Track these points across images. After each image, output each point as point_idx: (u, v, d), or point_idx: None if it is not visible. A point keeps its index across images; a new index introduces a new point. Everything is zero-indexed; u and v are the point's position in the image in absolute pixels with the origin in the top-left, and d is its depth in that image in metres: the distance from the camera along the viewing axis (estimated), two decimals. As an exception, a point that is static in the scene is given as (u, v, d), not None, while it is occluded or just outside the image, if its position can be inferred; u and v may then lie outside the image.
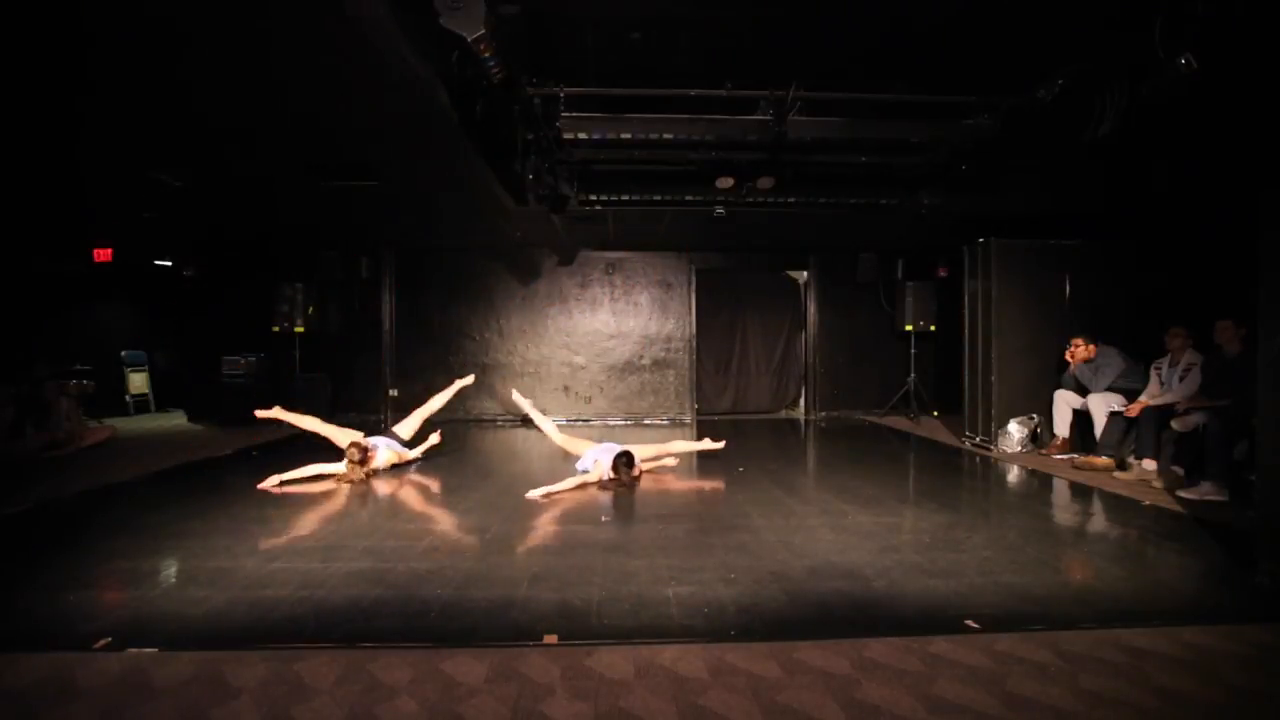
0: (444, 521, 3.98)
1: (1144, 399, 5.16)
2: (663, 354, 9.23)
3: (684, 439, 6.73)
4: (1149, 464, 4.89)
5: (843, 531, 3.64)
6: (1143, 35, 3.43)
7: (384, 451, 5.20)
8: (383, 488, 4.82)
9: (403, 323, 9.12)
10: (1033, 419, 6.14)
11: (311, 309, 8.37)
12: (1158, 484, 4.62)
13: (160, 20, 3.05)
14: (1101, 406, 5.46)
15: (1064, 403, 5.86)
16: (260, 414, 5.17)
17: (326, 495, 4.51)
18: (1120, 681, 2.03)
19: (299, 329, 8.31)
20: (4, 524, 3.87)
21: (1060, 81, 4.11)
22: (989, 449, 6.19)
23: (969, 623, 2.43)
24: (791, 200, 6.12)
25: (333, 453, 5.08)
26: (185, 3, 2.94)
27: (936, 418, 8.60)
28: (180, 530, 3.64)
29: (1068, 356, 5.87)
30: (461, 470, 5.61)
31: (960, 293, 6.76)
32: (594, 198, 6.19)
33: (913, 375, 8.77)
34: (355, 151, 5.08)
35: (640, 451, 4.90)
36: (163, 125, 4.40)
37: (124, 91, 3.87)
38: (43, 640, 2.32)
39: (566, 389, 9.16)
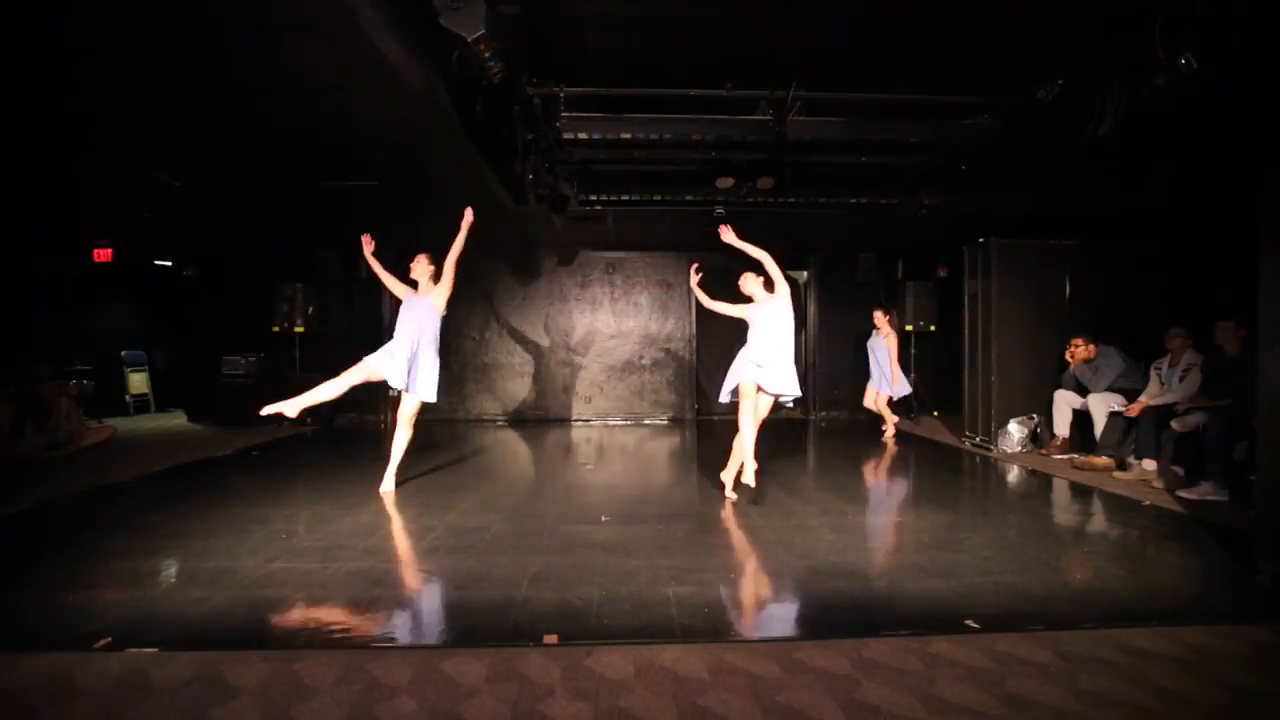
0: (444, 521, 3.98)
1: (1144, 399, 5.16)
2: (663, 354, 9.23)
3: (683, 437, 6.72)
4: (1149, 464, 4.88)
5: (843, 531, 3.64)
6: (1143, 35, 3.43)
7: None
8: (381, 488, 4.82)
9: (403, 323, 9.11)
10: (1033, 419, 6.14)
11: (311, 309, 8.37)
12: (1158, 484, 4.62)
13: (161, 21, 3.05)
14: (1101, 406, 5.46)
15: (1064, 403, 5.86)
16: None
17: (327, 494, 4.50)
18: (1120, 681, 2.03)
19: (299, 329, 8.31)
20: (4, 524, 3.87)
21: (1060, 81, 4.11)
22: (989, 449, 6.19)
23: (969, 623, 2.43)
24: (791, 200, 6.12)
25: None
26: (187, 4, 2.94)
27: (936, 418, 8.60)
28: (180, 530, 3.64)
29: (1068, 356, 5.87)
30: (461, 470, 5.60)
31: (960, 293, 6.76)
32: (594, 198, 6.19)
33: (913, 375, 8.76)
34: (355, 152, 5.08)
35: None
36: (162, 126, 4.40)
37: (125, 92, 3.86)
38: (43, 640, 2.31)
39: (566, 389, 9.16)
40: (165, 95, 3.92)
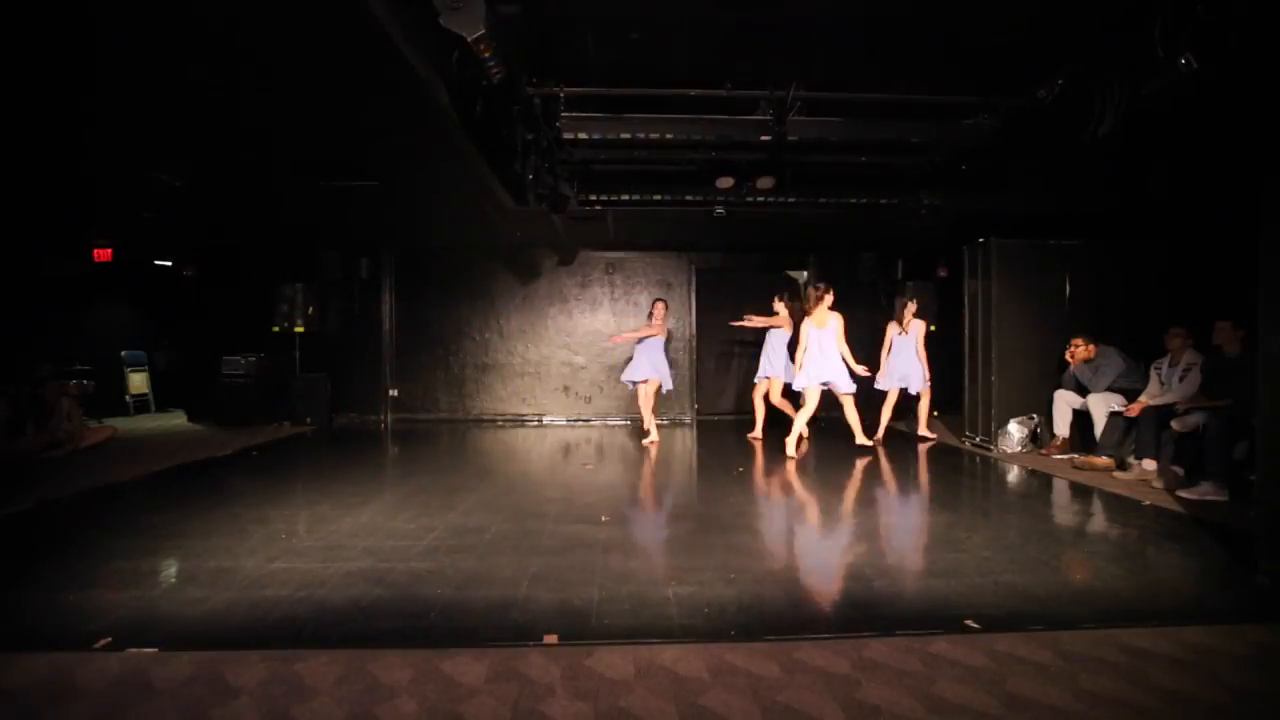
0: (444, 521, 3.98)
1: (1144, 399, 5.16)
2: (663, 354, 9.22)
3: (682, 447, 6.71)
4: (1149, 464, 4.88)
5: (843, 532, 3.64)
6: (1143, 35, 3.44)
7: None
8: (383, 486, 4.82)
9: (403, 323, 9.12)
10: (1033, 419, 6.14)
11: (311, 309, 8.36)
12: (1158, 484, 4.62)
13: (163, 22, 3.05)
14: (1101, 406, 5.46)
15: (1064, 403, 5.86)
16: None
17: (327, 494, 4.51)
18: (1120, 681, 2.03)
19: (299, 329, 8.30)
20: (4, 524, 3.87)
21: (1060, 81, 4.11)
22: (989, 449, 6.19)
23: (969, 623, 2.43)
24: (791, 200, 6.11)
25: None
26: (187, 4, 2.94)
27: (937, 418, 8.58)
28: (180, 530, 3.64)
29: (1068, 356, 5.87)
30: (461, 470, 5.61)
31: (960, 293, 6.76)
32: (594, 198, 6.19)
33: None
34: (355, 151, 5.08)
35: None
36: (164, 125, 4.40)
37: (125, 92, 3.86)
38: (43, 640, 2.32)
39: (566, 389, 9.16)
40: (169, 96, 3.92)
